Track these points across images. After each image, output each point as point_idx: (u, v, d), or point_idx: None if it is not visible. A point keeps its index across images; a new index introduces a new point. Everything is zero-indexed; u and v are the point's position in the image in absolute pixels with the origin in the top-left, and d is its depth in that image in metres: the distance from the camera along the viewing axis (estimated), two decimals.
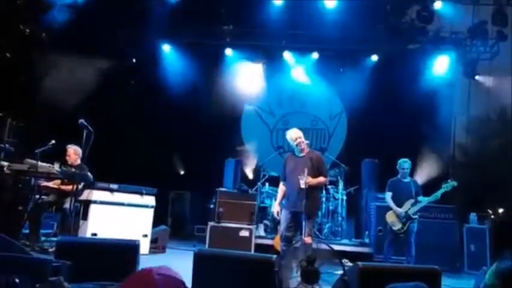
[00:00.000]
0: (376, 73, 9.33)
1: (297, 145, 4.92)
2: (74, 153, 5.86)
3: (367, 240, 7.49)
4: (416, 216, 5.64)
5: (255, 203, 7.08)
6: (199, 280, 3.60)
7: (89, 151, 5.08)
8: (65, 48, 8.37)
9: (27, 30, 8.37)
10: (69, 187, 5.39)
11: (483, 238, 6.84)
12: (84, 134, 4.85)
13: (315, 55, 9.53)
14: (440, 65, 9.01)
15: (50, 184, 5.69)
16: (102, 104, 8.37)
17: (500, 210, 8.10)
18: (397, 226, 5.65)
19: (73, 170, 5.54)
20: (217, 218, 6.86)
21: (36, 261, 3.10)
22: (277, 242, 6.28)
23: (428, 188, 5.85)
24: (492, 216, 7.76)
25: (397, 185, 5.88)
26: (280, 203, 5.18)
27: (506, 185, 7.09)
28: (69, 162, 5.83)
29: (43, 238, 5.79)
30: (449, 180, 5.58)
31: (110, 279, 3.68)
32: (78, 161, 5.79)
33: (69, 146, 5.89)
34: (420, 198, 5.68)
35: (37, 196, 5.64)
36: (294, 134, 4.97)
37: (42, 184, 5.65)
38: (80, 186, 5.40)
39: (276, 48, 9.48)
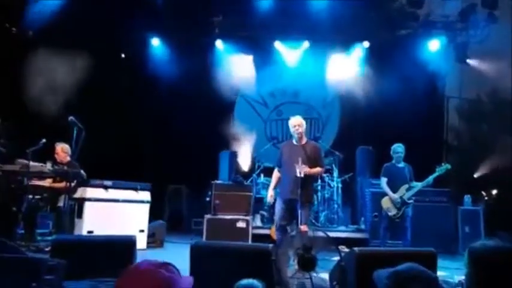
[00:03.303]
0: (368, 60, 9.31)
1: (294, 132, 4.96)
2: (62, 150, 5.82)
3: (363, 226, 7.53)
4: (411, 201, 5.69)
5: (251, 194, 7.09)
6: (197, 272, 3.60)
7: (81, 148, 5.05)
8: (52, 45, 8.28)
9: (14, 29, 8.25)
10: (62, 185, 5.37)
11: (477, 219, 6.93)
12: (75, 131, 4.81)
13: (306, 44, 9.48)
14: (432, 50, 9.00)
15: (42, 183, 5.65)
16: (93, 99, 8.30)
17: (494, 192, 8.18)
18: (393, 211, 5.69)
19: (65, 168, 5.50)
20: (213, 210, 6.86)
21: (30, 260, 3.07)
22: (273, 232, 6.30)
23: (423, 172, 5.87)
24: (486, 198, 7.84)
25: (391, 170, 5.91)
26: (274, 190, 5.22)
27: (499, 167, 7.14)
28: (58, 160, 5.79)
29: (39, 238, 5.77)
30: (443, 164, 5.62)
31: (107, 275, 3.68)
32: (68, 158, 5.77)
33: (57, 144, 5.85)
34: (414, 183, 5.71)
35: (30, 196, 5.60)
36: (295, 121, 5.01)
37: (34, 183, 5.60)
38: (73, 184, 5.36)
39: (266, 39, 9.42)
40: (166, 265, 1.35)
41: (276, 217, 4.94)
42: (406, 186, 5.69)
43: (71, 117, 4.83)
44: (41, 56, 7.92)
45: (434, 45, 8.95)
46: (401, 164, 5.89)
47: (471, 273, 1.73)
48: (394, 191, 5.73)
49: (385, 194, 5.84)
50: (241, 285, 1.55)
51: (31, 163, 5.22)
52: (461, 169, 7.46)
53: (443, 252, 5.68)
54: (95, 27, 8.16)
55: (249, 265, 3.44)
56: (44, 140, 5.46)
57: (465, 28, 8.78)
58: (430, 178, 5.60)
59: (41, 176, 5.50)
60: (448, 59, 9.01)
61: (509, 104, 7.95)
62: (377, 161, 7.28)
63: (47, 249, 4.93)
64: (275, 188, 5.25)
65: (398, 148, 5.90)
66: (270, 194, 5.26)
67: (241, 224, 6.65)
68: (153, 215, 6.65)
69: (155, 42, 9.46)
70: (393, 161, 5.95)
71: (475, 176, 8.23)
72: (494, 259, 1.68)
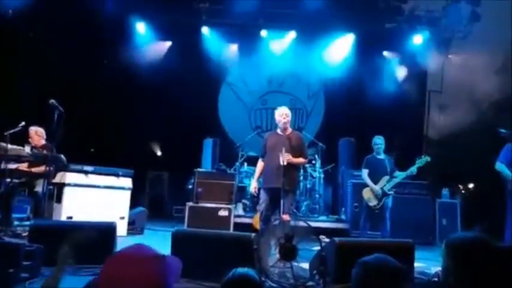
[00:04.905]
0: (354, 52, 9.36)
1: (280, 122, 4.98)
2: (36, 133, 5.70)
3: (343, 217, 7.64)
4: (391, 192, 5.78)
5: (234, 182, 7.09)
6: None
7: (62, 132, 4.95)
8: (33, 26, 8.03)
9: None
10: (41, 169, 5.25)
11: (454, 212, 7.11)
12: (55, 114, 4.71)
13: (293, 34, 9.45)
14: (416, 44, 9.11)
15: (20, 167, 5.52)
16: (74, 84, 8.12)
17: (471, 186, 8.40)
18: (373, 202, 5.78)
19: (44, 152, 5.39)
20: (195, 198, 6.84)
21: (7, 245, 3.02)
22: (256, 221, 6.34)
23: (403, 164, 5.97)
24: (463, 191, 8.04)
25: (372, 162, 5.99)
26: (258, 180, 5.23)
27: (476, 161, 7.33)
28: (33, 144, 5.67)
29: (16, 222, 5.65)
30: (422, 156, 5.72)
31: (86, 262, 3.64)
32: (42, 142, 5.68)
33: (31, 127, 5.72)
34: (396, 173, 5.81)
35: (8, 180, 5.47)
36: (282, 111, 5.03)
37: (12, 167, 5.46)
38: (52, 168, 5.26)
39: (253, 27, 9.33)
40: (160, 257, 1.31)
41: (261, 207, 4.94)
42: (387, 177, 5.78)
43: (51, 100, 4.71)
44: (20, 37, 7.69)
45: (418, 39, 9.05)
46: (382, 156, 5.98)
47: (448, 264, 1.78)
48: (375, 182, 5.82)
49: (366, 185, 5.92)
50: (238, 272, 1.56)
51: (9, 146, 5.09)
52: (440, 162, 7.62)
53: (421, 244, 5.83)
54: (77, 10, 7.95)
55: (230, 253, 3.46)
56: (23, 123, 5.35)
57: (449, 24, 8.89)
58: (412, 169, 5.71)
59: (19, 160, 5.36)
60: (431, 53, 9.13)
61: (488, 100, 8.12)
62: (359, 153, 7.37)
63: (24, 234, 4.85)
64: (259, 178, 5.27)
65: (377, 140, 6.00)
66: (253, 186, 5.28)
67: (223, 213, 6.66)
68: (134, 201, 6.58)
69: (140, 26, 9.27)
70: (374, 153, 6.04)
71: (453, 169, 8.43)
72: (471, 251, 1.73)
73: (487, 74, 7.99)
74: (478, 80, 8.38)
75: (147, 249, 1.34)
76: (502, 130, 5.32)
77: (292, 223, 4.01)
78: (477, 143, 7.43)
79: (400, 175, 5.76)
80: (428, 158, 5.65)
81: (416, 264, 3.87)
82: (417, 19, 8.86)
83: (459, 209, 7.10)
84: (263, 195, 4.95)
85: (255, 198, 6.81)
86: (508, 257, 1.80)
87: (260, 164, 5.19)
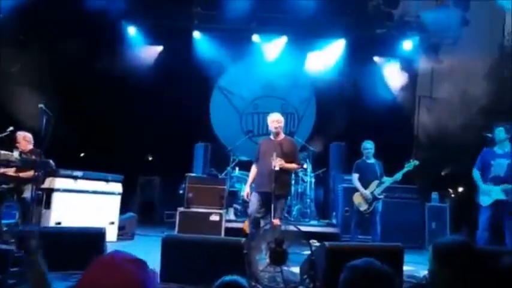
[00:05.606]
0: (345, 57, 9.43)
1: (272, 127, 5.05)
2: (24, 139, 5.63)
3: (334, 221, 7.66)
4: (381, 196, 5.83)
5: (225, 187, 7.06)
6: (168, 265, 3.59)
7: (52, 137, 4.91)
8: (22, 29, 7.97)
9: None
10: (30, 174, 5.20)
11: (443, 216, 7.17)
12: (44, 119, 4.67)
13: (284, 39, 9.50)
14: (406, 49, 9.21)
15: (7, 172, 5.45)
16: (64, 88, 8.06)
17: (460, 189, 8.48)
18: (364, 207, 5.81)
19: (33, 156, 5.34)
20: (186, 203, 6.81)
21: None
22: (246, 225, 6.33)
23: (393, 168, 6.02)
24: (452, 195, 8.11)
25: (362, 166, 6.04)
26: (251, 186, 5.25)
27: (465, 165, 7.41)
28: (20, 149, 5.60)
29: (4, 228, 5.58)
30: (411, 160, 5.78)
31: (76, 268, 3.61)
32: (30, 146, 5.62)
33: (18, 132, 5.65)
34: (384, 178, 5.86)
35: None
36: (274, 117, 5.12)
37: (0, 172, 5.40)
38: (41, 173, 5.20)
39: (245, 32, 9.37)
40: (140, 262, 1.30)
41: (250, 209, 4.96)
42: (377, 182, 5.82)
43: (40, 105, 4.68)
44: (10, 41, 7.62)
45: (407, 45, 9.16)
46: (372, 160, 6.02)
47: (434, 268, 1.80)
48: (365, 186, 5.86)
49: (356, 190, 5.96)
50: (225, 280, 1.56)
51: None
52: (430, 166, 7.69)
53: (411, 248, 5.87)
54: (67, 13, 7.91)
55: (221, 258, 3.46)
56: (11, 128, 5.31)
57: (438, 29, 9.00)
58: (399, 174, 5.77)
59: (8, 164, 5.30)
60: (421, 58, 9.24)
61: (477, 104, 8.22)
62: (349, 157, 7.41)
63: (12, 240, 4.78)
64: (252, 184, 5.28)
65: (367, 144, 6.05)
66: (246, 191, 5.29)
67: (214, 218, 6.63)
68: (125, 207, 6.54)
69: (132, 30, 9.25)
70: (363, 157, 6.08)
71: (443, 173, 8.51)
72: (456, 255, 1.75)
73: (476, 78, 8.10)
74: (467, 85, 8.50)
75: (126, 255, 1.32)
76: (489, 134, 5.37)
77: (282, 227, 4.01)
78: (466, 147, 7.52)
79: (387, 180, 5.83)
80: (416, 162, 5.72)
81: (405, 268, 3.91)
82: (407, 25, 8.97)
83: (448, 212, 7.17)
84: (253, 198, 4.98)
85: (246, 203, 6.81)
86: (493, 260, 1.83)
87: (253, 169, 5.23)
